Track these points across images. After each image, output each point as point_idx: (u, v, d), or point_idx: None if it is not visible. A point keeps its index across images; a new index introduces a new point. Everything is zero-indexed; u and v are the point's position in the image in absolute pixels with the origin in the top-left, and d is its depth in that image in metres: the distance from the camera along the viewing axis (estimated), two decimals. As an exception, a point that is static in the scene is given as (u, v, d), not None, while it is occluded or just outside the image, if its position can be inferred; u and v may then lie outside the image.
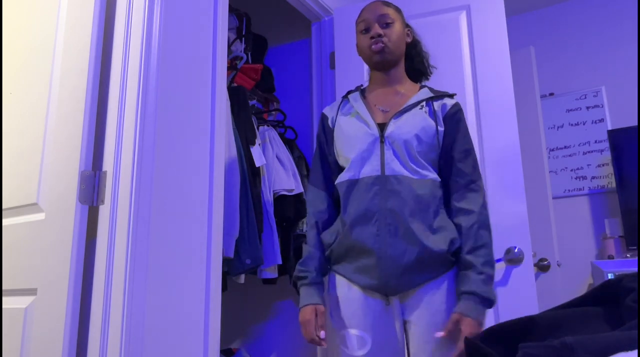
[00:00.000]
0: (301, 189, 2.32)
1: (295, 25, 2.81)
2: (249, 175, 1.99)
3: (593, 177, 3.15)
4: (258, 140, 2.12)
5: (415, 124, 1.41)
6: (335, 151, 1.51)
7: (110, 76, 1.48)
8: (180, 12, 1.59)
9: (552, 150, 3.28)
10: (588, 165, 3.17)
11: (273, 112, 2.67)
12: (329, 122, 1.55)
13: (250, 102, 2.39)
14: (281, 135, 2.48)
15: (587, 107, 3.23)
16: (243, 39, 2.45)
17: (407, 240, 1.32)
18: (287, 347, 2.53)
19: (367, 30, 1.50)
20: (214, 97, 1.66)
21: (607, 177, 3.11)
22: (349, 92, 1.58)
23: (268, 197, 2.17)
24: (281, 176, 2.27)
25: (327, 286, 1.47)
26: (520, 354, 0.74)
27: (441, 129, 1.42)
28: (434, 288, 1.34)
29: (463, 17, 2.20)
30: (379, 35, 1.46)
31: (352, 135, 1.45)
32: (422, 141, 1.40)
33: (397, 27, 1.49)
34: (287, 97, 2.77)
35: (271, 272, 2.14)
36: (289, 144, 2.48)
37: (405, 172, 1.37)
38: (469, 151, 1.43)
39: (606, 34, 3.26)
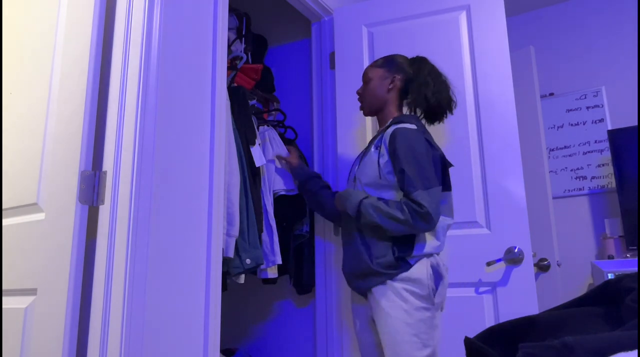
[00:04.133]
0: None
1: (295, 25, 2.81)
2: (249, 176, 1.99)
3: (593, 177, 3.15)
4: (258, 140, 2.12)
5: (364, 162, 1.75)
6: None
7: (110, 76, 1.48)
8: (180, 12, 1.59)
9: (552, 150, 3.28)
10: (588, 165, 3.17)
11: (273, 112, 2.67)
12: None
13: (250, 102, 2.38)
14: (281, 135, 2.48)
15: (587, 107, 3.23)
16: (243, 39, 2.45)
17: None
18: (287, 347, 2.53)
19: None
20: (214, 97, 1.66)
21: (607, 177, 3.11)
22: None
23: (268, 197, 2.17)
24: (281, 176, 2.27)
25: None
26: (520, 354, 0.74)
27: (382, 160, 1.68)
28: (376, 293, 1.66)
29: (463, 17, 2.20)
30: (359, 94, 1.85)
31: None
32: (368, 175, 1.71)
33: (371, 84, 1.81)
34: (287, 97, 2.77)
35: (271, 272, 2.13)
36: (289, 144, 2.48)
37: None
38: (402, 171, 1.61)
39: (606, 34, 3.26)
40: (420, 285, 1.60)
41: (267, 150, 2.28)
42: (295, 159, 2.16)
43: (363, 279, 1.67)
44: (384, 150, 1.68)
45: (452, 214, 1.77)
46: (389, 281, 1.62)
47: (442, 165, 1.72)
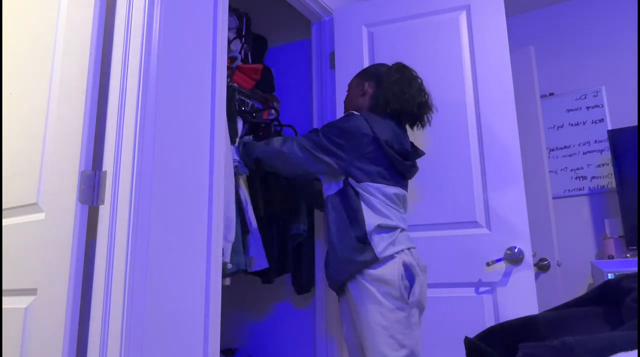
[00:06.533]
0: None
1: (295, 25, 2.81)
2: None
3: (593, 177, 3.14)
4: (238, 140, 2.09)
5: None
6: None
7: (110, 76, 1.48)
8: (180, 12, 1.59)
9: (552, 150, 3.28)
10: (588, 165, 3.17)
11: (272, 111, 2.66)
12: None
13: (250, 102, 2.38)
14: (277, 133, 2.47)
15: (587, 107, 3.23)
16: (242, 38, 2.45)
17: None
18: (287, 347, 2.53)
19: None
20: (214, 97, 1.66)
21: (607, 177, 3.11)
22: None
23: (245, 196, 2.10)
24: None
25: None
26: (520, 354, 0.74)
27: None
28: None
29: (463, 17, 2.20)
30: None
31: None
32: None
33: (348, 93, 1.97)
34: (287, 97, 2.77)
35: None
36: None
37: None
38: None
39: (606, 34, 3.26)
40: (392, 286, 1.63)
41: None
42: None
43: (337, 272, 1.72)
44: None
45: (403, 206, 1.80)
46: (362, 280, 1.65)
47: (383, 149, 1.73)
